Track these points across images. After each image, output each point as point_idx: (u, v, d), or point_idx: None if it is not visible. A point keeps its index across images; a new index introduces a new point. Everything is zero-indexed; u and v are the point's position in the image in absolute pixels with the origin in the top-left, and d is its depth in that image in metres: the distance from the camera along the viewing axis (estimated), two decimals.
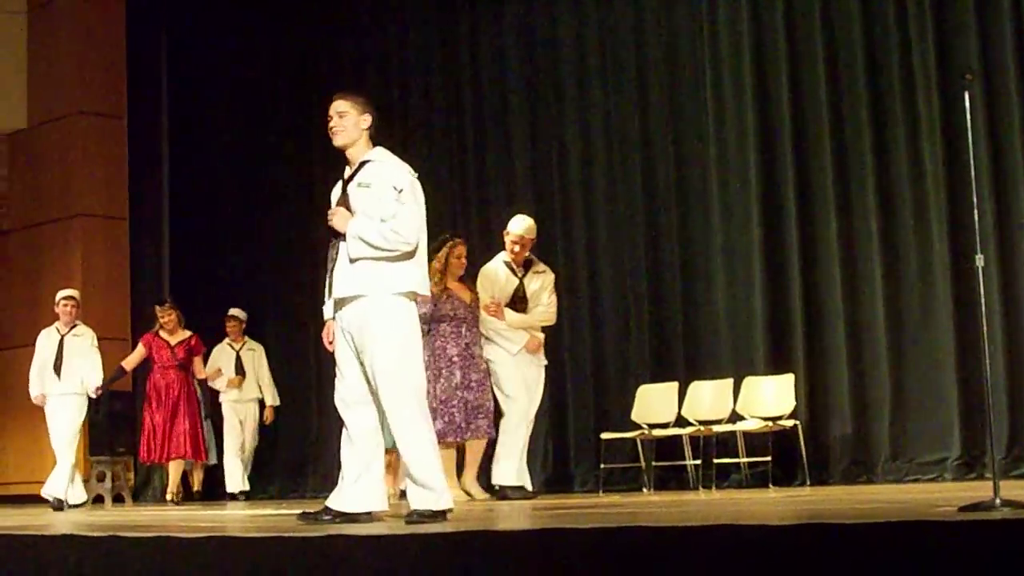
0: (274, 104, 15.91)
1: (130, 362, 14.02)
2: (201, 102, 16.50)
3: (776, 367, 11.59)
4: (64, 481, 12.83)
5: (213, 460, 15.14)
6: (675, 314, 12.37)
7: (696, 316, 12.29)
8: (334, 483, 7.01)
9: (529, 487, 10.87)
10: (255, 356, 14.94)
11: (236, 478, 14.74)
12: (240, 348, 14.89)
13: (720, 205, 12.13)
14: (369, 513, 6.92)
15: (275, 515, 9.38)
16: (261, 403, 14.98)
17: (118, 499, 14.30)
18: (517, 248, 10.84)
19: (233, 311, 15.00)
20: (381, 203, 6.89)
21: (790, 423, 11.05)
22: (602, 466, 12.25)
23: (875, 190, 11.26)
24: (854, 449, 11.18)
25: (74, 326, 13.11)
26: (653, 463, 12.07)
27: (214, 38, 16.43)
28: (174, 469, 14.12)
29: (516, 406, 10.78)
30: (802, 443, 11.03)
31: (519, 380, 10.80)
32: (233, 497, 14.66)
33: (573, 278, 13.02)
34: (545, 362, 11.05)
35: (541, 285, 10.93)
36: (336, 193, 7.24)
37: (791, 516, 5.52)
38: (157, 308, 14.17)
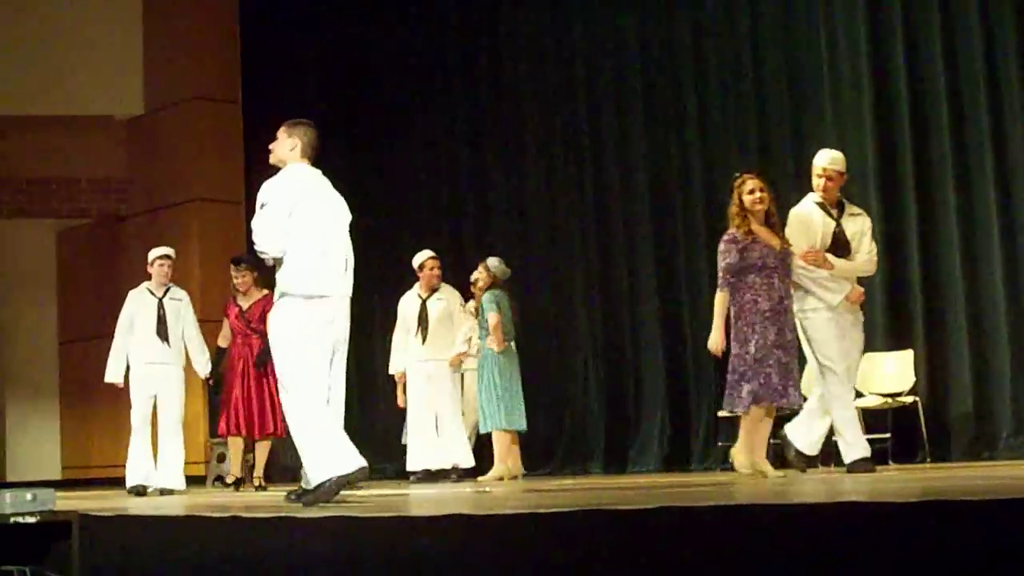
0: (387, 87, 15.97)
1: (224, 338, 12.50)
2: (315, 85, 16.59)
3: (895, 343, 11.48)
4: (180, 467, 12.08)
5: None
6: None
7: None
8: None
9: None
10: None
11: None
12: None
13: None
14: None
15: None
16: None
17: (238, 481, 14.43)
18: (824, 183, 9.48)
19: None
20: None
21: (910, 399, 10.94)
22: (719, 444, 12.22)
23: (993, 163, 11.11)
24: (975, 425, 11.05)
25: (168, 288, 12.18)
26: (771, 440, 12.00)
27: (327, 21, 16.52)
28: (260, 450, 12.51)
29: (835, 369, 9.40)
30: (922, 419, 10.92)
31: (837, 338, 9.41)
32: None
33: (692, 255, 12.99)
34: (863, 318, 9.67)
35: (860, 229, 9.53)
36: None
37: (912, 493, 5.45)
38: (232, 268, 12.60)
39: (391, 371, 13.06)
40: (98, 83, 17.16)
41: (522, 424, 12.12)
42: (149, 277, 12.22)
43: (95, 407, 16.55)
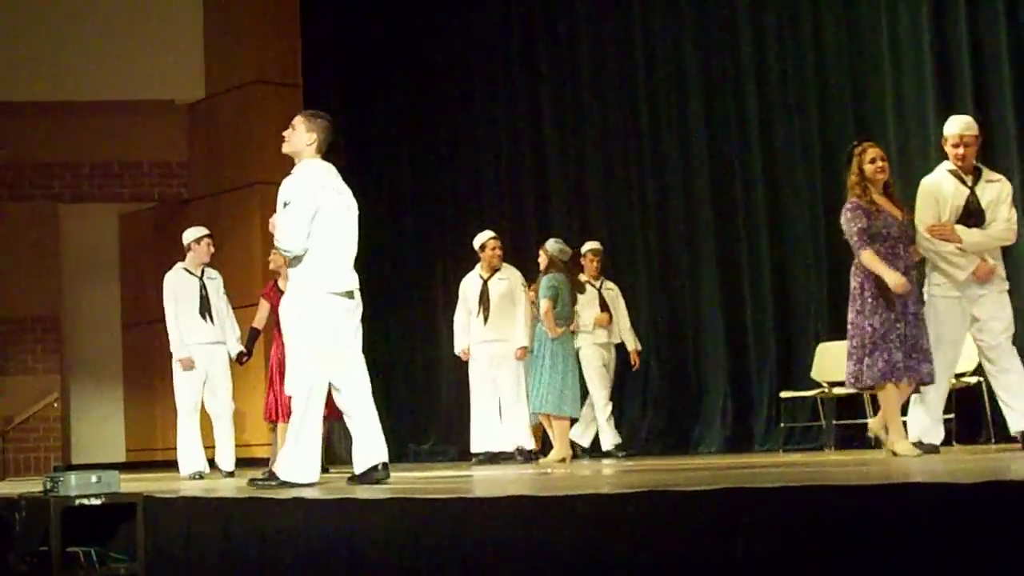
0: (448, 68, 15.97)
1: (259, 320, 12.20)
2: (375, 68, 16.61)
3: None
4: (231, 447, 12.12)
5: None
6: None
7: None
8: None
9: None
10: (613, 295, 13.48)
11: (609, 434, 13.22)
12: (600, 286, 13.36)
13: (898, 159, 11.91)
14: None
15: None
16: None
17: None
18: (960, 151, 8.91)
19: (592, 244, 13.47)
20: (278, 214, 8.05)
21: (974, 380, 10.83)
22: (782, 425, 12.17)
23: None
24: None
25: (204, 268, 12.16)
26: (834, 421, 11.95)
27: (388, 3, 16.53)
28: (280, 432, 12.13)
29: (943, 352, 8.94)
30: (986, 399, 10.81)
31: (952, 323, 8.99)
32: (608, 455, 13.09)
33: (754, 236, 12.94)
34: (1006, 286, 9.11)
35: (998, 196, 8.96)
36: None
37: (976, 474, 5.41)
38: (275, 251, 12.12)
39: (456, 351, 13.03)
40: (159, 68, 17.24)
41: (575, 411, 12.10)
42: (183, 257, 12.20)
43: (158, 390, 16.65)
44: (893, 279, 8.56)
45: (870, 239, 8.64)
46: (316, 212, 7.96)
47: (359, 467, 8.00)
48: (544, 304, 11.73)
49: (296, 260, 7.96)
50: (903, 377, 8.61)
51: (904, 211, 8.81)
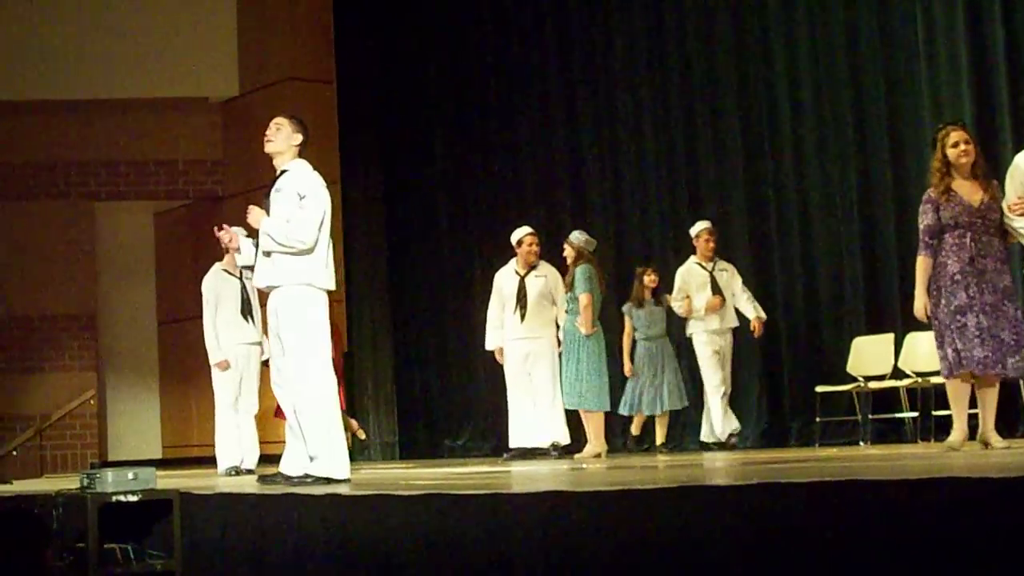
0: (481, 64, 15.96)
1: None
2: (408, 65, 16.62)
3: None
4: (255, 444, 12.13)
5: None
6: (890, 263, 12.12)
7: (912, 265, 12.02)
8: None
9: None
10: (728, 276, 12.83)
11: (718, 422, 12.62)
12: (712, 268, 12.81)
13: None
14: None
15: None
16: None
17: None
18: None
19: (703, 224, 12.86)
20: (287, 206, 8.07)
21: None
22: (818, 419, 12.13)
23: None
24: None
25: (243, 268, 11.76)
26: (870, 416, 11.91)
27: (421, 0, 16.55)
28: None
29: None
30: (1022, 393, 10.76)
31: None
32: (722, 445, 12.56)
33: (786, 230, 12.91)
34: None
35: None
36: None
37: (1014, 468, 5.38)
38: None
39: (488, 347, 12.94)
40: (194, 66, 17.31)
41: (606, 404, 12.10)
42: (221, 258, 12.22)
43: (194, 387, 16.71)
44: (918, 303, 8.59)
45: (940, 231, 8.49)
46: (326, 211, 8.16)
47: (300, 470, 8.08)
48: (584, 298, 11.68)
49: (294, 255, 8.08)
50: (967, 368, 8.42)
51: (993, 195, 8.51)
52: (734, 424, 12.67)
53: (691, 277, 12.78)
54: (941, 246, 8.50)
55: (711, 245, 12.75)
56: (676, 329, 12.97)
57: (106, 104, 16.97)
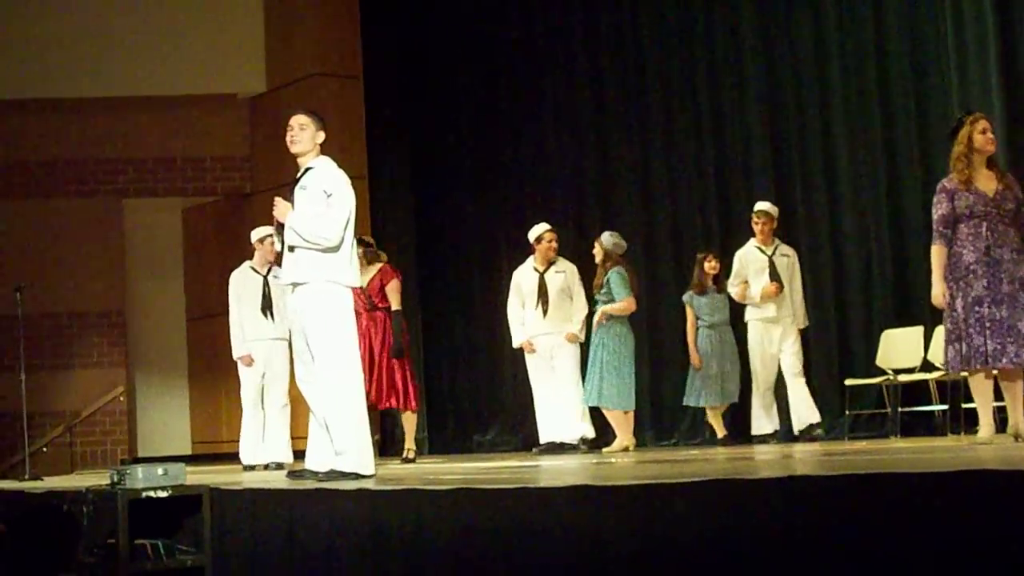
0: (509, 60, 15.94)
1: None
2: (435, 60, 16.61)
3: None
4: (287, 440, 12.16)
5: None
6: (919, 256, 12.03)
7: None
8: None
9: None
10: (789, 262, 12.36)
11: (763, 419, 12.40)
12: (773, 252, 12.32)
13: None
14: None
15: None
16: None
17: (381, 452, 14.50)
18: None
19: (761, 205, 12.45)
20: (312, 202, 8.13)
21: None
22: (847, 412, 12.10)
23: None
24: None
25: (271, 267, 12.09)
26: (899, 409, 11.87)
27: None
28: (408, 422, 12.13)
29: None
30: None
31: None
32: (763, 440, 12.29)
33: (814, 223, 12.86)
34: None
35: None
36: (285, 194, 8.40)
37: None
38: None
39: (516, 344, 12.97)
40: (220, 62, 17.32)
41: (630, 403, 12.07)
42: (251, 256, 12.38)
43: (223, 383, 16.73)
44: (936, 290, 8.54)
45: (955, 220, 8.46)
46: (351, 208, 8.23)
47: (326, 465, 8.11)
48: (627, 303, 11.76)
49: (319, 252, 8.14)
50: (988, 362, 8.37)
51: (1008, 185, 8.51)
52: (768, 427, 12.34)
53: (749, 261, 12.33)
54: (956, 236, 8.47)
55: (766, 228, 12.29)
56: (740, 316, 12.58)
57: (134, 101, 17.01)
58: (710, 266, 12.52)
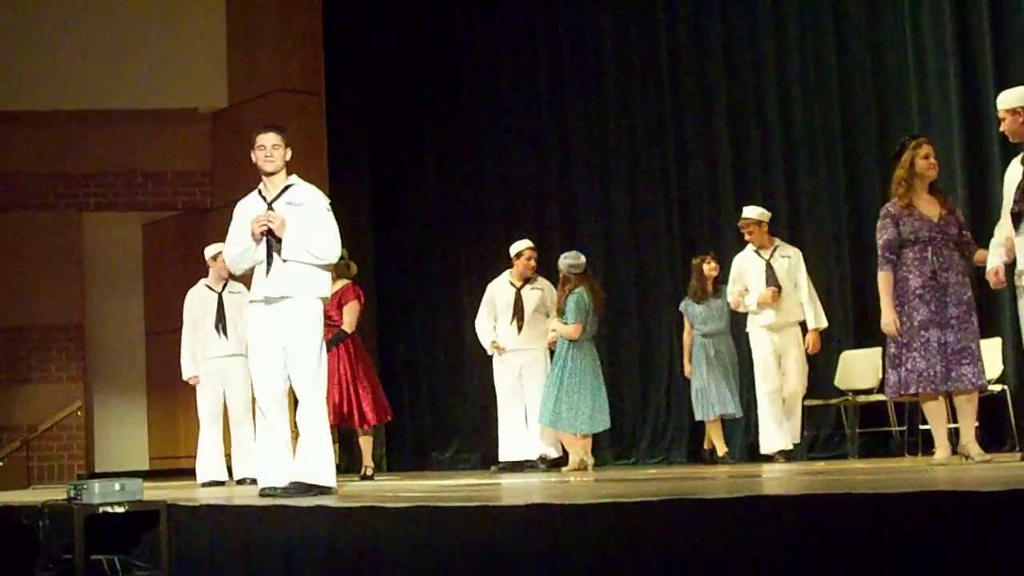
0: (470, 77, 15.97)
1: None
2: (397, 77, 16.62)
3: (982, 331, 11.31)
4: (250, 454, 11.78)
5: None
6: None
7: None
8: None
9: None
10: (790, 264, 11.86)
11: (771, 435, 11.79)
12: (771, 255, 11.91)
13: None
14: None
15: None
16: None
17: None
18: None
19: (748, 211, 12.01)
20: (318, 219, 8.21)
21: (997, 388, 10.78)
22: (805, 433, 12.13)
23: None
24: None
25: (226, 282, 12.15)
26: (858, 429, 11.92)
27: (410, 11, 16.54)
28: (365, 441, 12.38)
29: None
30: (1010, 408, 10.77)
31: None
32: (770, 459, 11.78)
33: None
34: None
35: None
36: (251, 210, 8.44)
37: (998, 483, 5.40)
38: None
39: (488, 350, 12.84)
40: (182, 77, 17.28)
41: (582, 427, 11.83)
42: (206, 273, 12.38)
43: (182, 398, 16.65)
44: (886, 318, 8.64)
45: (900, 246, 8.59)
46: None
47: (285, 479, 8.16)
48: (573, 329, 11.62)
49: (316, 267, 8.22)
50: (929, 387, 8.52)
51: (951, 210, 8.71)
52: (776, 443, 11.68)
53: (747, 267, 11.97)
54: (902, 261, 8.63)
55: (755, 233, 11.86)
56: (741, 326, 12.24)
57: (94, 115, 16.95)
58: (709, 268, 12.19)
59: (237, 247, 8.44)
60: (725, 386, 12.05)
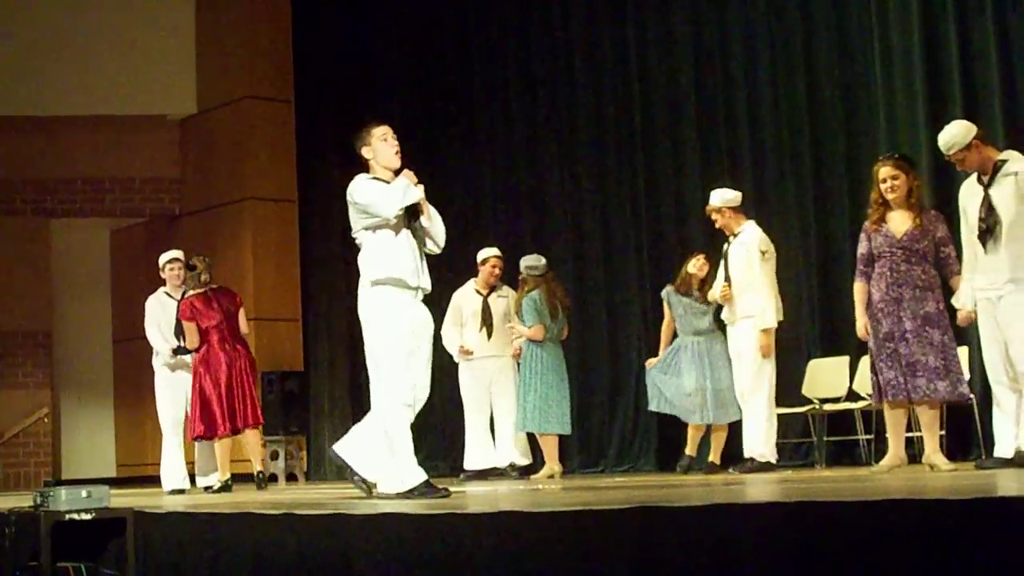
0: (442, 85, 15.96)
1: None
2: (368, 84, 16.60)
3: None
4: (212, 464, 11.97)
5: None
6: (846, 287, 12.08)
7: None
8: None
9: None
10: (744, 251, 11.00)
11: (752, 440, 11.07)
12: (727, 248, 11.21)
13: None
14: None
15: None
16: None
17: (291, 478, 14.47)
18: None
19: (715, 196, 11.34)
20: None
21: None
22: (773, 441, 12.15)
23: None
24: None
25: (184, 291, 12.01)
26: (825, 438, 11.94)
27: (381, 19, 16.53)
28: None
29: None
30: (977, 416, 10.80)
31: (990, 324, 8.87)
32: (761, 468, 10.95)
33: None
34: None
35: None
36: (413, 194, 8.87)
37: (967, 490, 5.42)
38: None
39: (456, 356, 12.81)
40: (151, 83, 17.25)
41: (562, 427, 12.10)
42: (164, 282, 12.37)
43: (149, 405, 16.51)
44: (859, 324, 9.17)
45: (871, 260, 9.06)
46: None
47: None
48: (535, 330, 11.80)
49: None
50: (895, 395, 8.92)
51: (924, 227, 8.98)
52: (755, 448, 11.01)
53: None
54: (871, 276, 9.09)
55: (719, 221, 11.19)
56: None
57: (63, 121, 16.91)
58: (695, 266, 11.60)
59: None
60: (716, 391, 11.35)
